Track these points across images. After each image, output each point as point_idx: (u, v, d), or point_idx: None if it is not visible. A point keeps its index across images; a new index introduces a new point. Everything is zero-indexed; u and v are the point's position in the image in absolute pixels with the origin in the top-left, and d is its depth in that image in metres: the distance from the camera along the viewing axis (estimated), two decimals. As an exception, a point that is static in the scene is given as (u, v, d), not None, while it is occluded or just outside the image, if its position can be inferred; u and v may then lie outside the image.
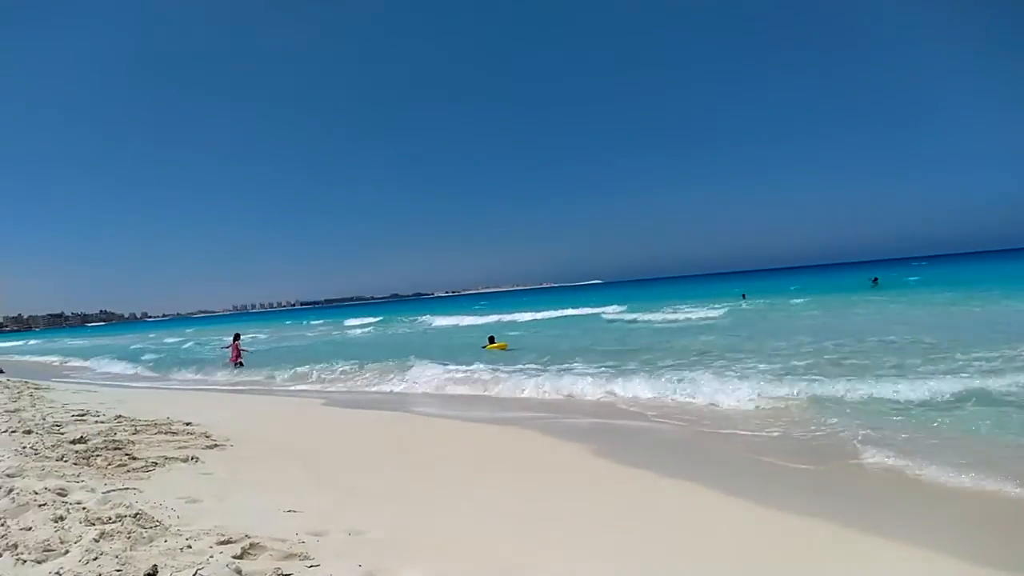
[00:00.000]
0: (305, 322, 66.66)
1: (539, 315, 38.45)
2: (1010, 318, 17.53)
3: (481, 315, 43.84)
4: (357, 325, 49.81)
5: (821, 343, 14.66)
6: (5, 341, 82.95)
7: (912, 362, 10.89)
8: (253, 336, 39.45)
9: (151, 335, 61.62)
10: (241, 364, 19.78)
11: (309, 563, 3.71)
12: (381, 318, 55.53)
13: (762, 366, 11.62)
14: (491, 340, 21.05)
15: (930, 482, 5.35)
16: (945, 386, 8.42)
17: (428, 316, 49.68)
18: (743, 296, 39.08)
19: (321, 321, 64.14)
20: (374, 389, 14.00)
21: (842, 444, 6.58)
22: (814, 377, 9.79)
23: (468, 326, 37.05)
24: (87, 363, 29.11)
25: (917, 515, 4.71)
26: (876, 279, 43.77)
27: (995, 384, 8.45)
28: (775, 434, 7.31)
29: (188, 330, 72.83)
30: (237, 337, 20.74)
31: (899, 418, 7.43)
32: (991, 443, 6.28)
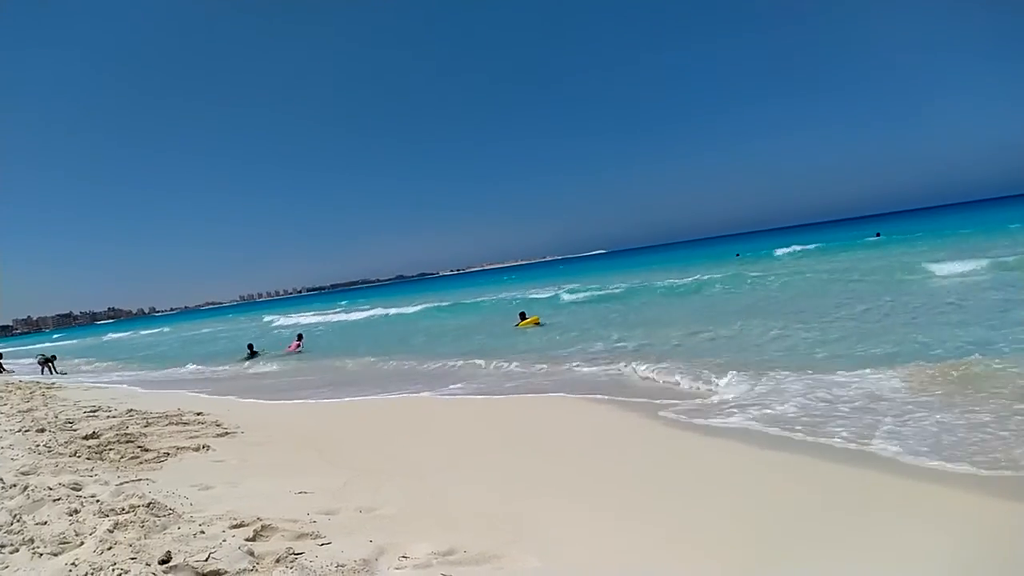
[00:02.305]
0: (342, 303, 64.13)
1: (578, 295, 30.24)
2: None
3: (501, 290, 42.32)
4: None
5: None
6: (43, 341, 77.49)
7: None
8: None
9: (205, 327, 55.75)
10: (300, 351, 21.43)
11: (321, 541, 3.76)
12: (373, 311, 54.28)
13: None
14: (522, 316, 19.67)
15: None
16: None
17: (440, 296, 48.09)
18: (737, 255, 39.36)
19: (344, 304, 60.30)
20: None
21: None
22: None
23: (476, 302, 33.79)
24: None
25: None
26: (879, 233, 43.77)
27: None
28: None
29: (213, 320, 71.60)
30: (300, 337, 23.00)
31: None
32: None
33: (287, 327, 36.84)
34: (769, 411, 6.49)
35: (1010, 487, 4.18)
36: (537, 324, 18.83)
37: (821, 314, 13.17)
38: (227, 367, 19.60)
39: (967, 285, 15.16)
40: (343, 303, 62.41)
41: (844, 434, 5.49)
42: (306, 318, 41.35)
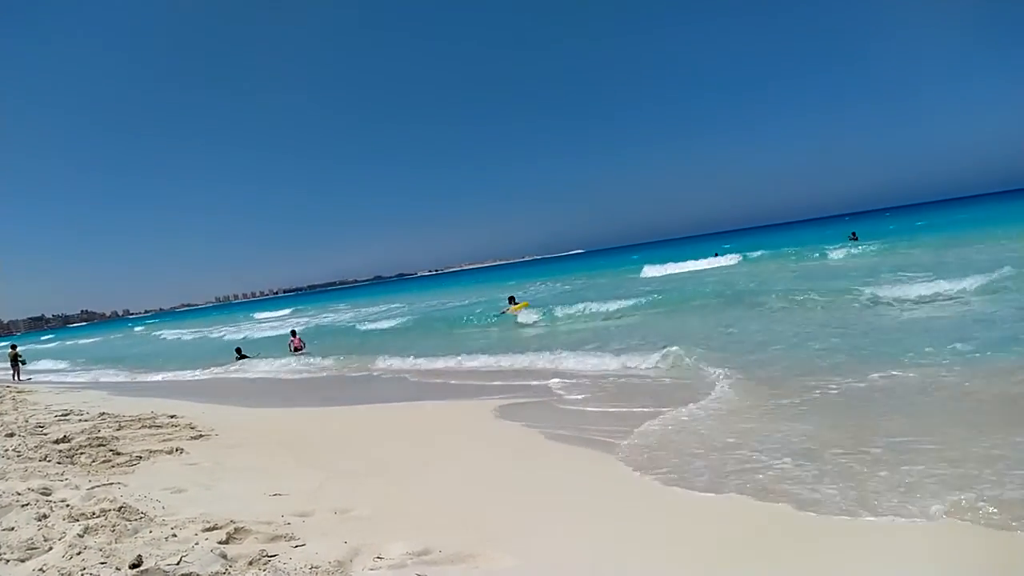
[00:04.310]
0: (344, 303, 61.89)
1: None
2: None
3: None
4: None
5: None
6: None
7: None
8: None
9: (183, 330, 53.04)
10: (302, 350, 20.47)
11: (295, 543, 3.75)
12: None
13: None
14: (511, 301, 19.65)
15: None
16: None
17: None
18: (715, 253, 39.54)
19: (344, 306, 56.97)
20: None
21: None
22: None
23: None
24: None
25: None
26: (854, 233, 44.05)
27: None
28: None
29: (196, 321, 70.43)
30: (294, 332, 22.07)
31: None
32: None
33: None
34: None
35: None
36: (527, 308, 18.82)
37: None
38: (213, 370, 19.13)
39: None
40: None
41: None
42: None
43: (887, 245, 27.38)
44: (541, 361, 11.46)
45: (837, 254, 27.64)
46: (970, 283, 12.47)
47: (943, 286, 12.72)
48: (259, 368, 17.84)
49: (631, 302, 18.31)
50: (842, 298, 13.63)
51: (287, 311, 59.56)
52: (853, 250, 27.95)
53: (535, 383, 9.63)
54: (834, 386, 6.94)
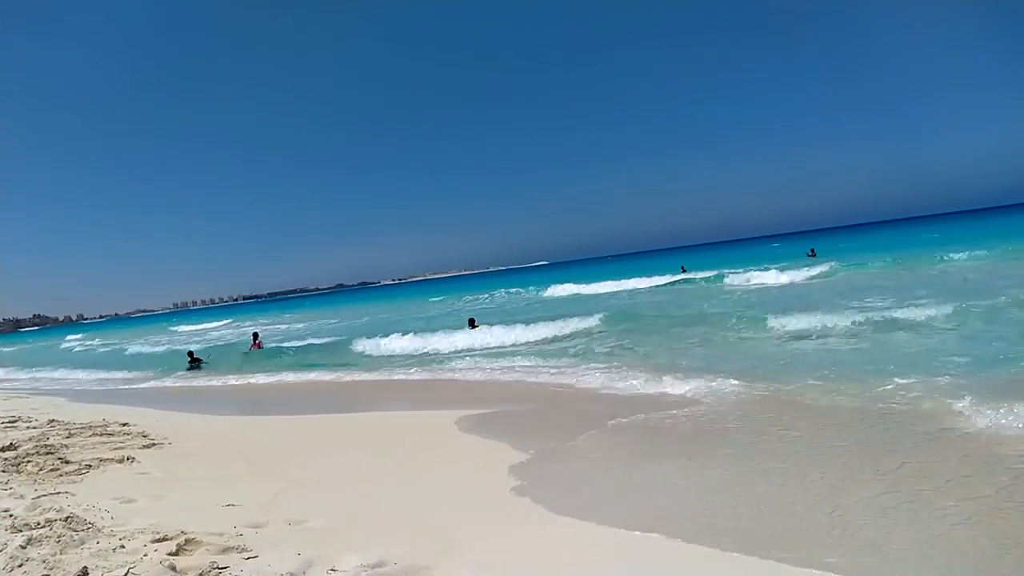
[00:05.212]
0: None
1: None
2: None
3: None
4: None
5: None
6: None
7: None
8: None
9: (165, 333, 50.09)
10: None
11: (247, 555, 3.70)
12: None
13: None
14: (471, 323, 19.10)
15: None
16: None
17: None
18: (683, 268, 39.68)
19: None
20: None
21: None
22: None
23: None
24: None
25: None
26: (813, 250, 44.75)
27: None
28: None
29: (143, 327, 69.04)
30: (256, 335, 23.31)
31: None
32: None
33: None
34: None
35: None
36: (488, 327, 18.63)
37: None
38: (163, 378, 18.84)
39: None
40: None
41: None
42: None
43: (843, 264, 27.24)
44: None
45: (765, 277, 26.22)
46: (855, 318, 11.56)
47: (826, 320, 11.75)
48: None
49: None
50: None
51: (222, 321, 57.25)
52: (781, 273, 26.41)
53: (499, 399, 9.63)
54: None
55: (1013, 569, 3.27)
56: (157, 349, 29.00)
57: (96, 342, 44.09)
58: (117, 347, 34.28)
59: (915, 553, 3.48)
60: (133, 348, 31.40)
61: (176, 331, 49.40)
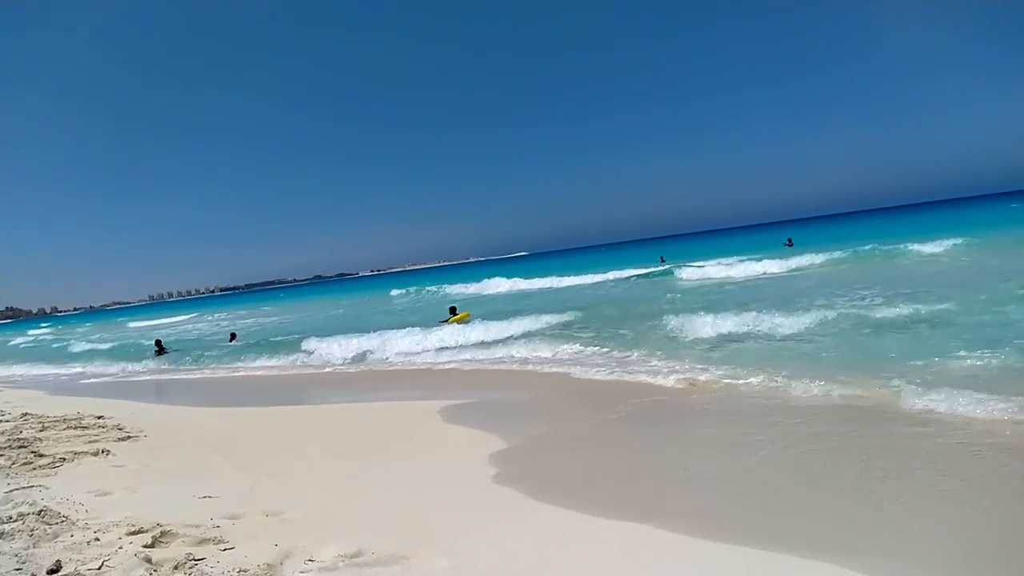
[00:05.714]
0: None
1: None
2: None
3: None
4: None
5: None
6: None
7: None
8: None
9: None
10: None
11: (223, 546, 3.70)
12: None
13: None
14: (452, 312, 19.10)
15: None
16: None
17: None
18: (662, 259, 39.85)
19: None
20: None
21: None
22: None
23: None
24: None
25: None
26: (790, 240, 45.13)
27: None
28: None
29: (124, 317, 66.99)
30: (233, 336, 22.96)
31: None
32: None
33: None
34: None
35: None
36: (466, 321, 18.56)
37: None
38: (136, 366, 18.75)
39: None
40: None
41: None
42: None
43: (818, 254, 27.12)
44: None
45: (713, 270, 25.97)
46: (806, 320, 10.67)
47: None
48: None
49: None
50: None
51: (185, 316, 54.53)
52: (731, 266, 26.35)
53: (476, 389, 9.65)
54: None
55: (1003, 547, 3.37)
56: (101, 347, 27.04)
57: (49, 337, 43.43)
58: (65, 344, 32.15)
59: (908, 539, 3.57)
60: (79, 346, 28.70)
61: (129, 327, 48.22)
